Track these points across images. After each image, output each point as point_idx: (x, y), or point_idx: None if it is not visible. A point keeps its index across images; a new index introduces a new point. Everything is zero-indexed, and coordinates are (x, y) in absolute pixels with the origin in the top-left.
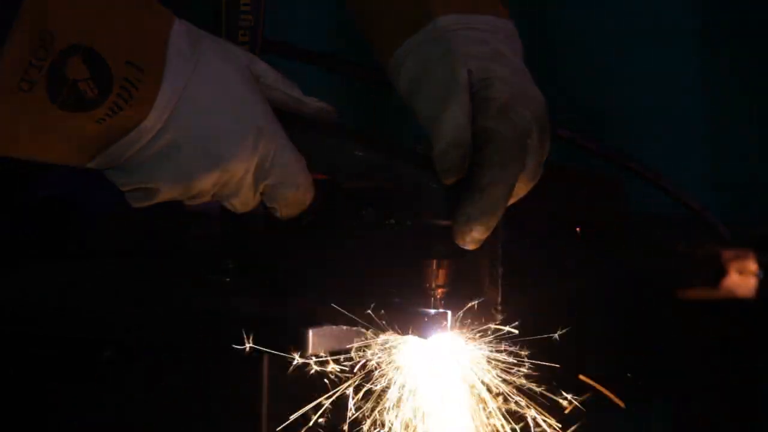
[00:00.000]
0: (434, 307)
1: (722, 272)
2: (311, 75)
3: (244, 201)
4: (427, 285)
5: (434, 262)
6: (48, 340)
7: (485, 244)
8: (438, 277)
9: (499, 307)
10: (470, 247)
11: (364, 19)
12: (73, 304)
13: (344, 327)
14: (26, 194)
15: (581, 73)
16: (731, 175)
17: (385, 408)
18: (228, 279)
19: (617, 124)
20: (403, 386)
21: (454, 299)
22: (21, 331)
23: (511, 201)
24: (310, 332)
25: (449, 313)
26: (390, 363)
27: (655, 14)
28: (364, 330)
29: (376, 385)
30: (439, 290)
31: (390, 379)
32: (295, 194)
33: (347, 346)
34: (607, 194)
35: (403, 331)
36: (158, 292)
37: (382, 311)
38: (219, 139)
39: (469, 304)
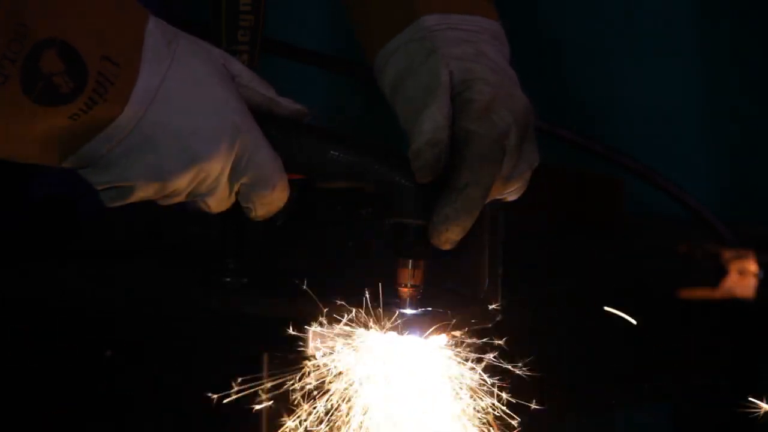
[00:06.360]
0: (411, 307)
1: (722, 272)
2: (311, 75)
3: (219, 200)
4: (403, 284)
5: (410, 261)
6: (48, 339)
7: (485, 244)
8: (413, 277)
9: (499, 307)
10: (445, 247)
11: (354, 19)
12: (73, 304)
13: (344, 327)
14: (26, 194)
15: (581, 73)
16: (731, 176)
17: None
18: (228, 279)
19: (617, 124)
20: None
21: (452, 298)
22: (22, 330)
23: (487, 200)
24: (310, 332)
25: (449, 313)
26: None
27: (655, 14)
28: (364, 330)
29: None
30: (413, 289)
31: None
32: (270, 194)
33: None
34: (606, 194)
35: (400, 331)
36: (158, 293)
37: (380, 311)
38: (195, 136)
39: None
